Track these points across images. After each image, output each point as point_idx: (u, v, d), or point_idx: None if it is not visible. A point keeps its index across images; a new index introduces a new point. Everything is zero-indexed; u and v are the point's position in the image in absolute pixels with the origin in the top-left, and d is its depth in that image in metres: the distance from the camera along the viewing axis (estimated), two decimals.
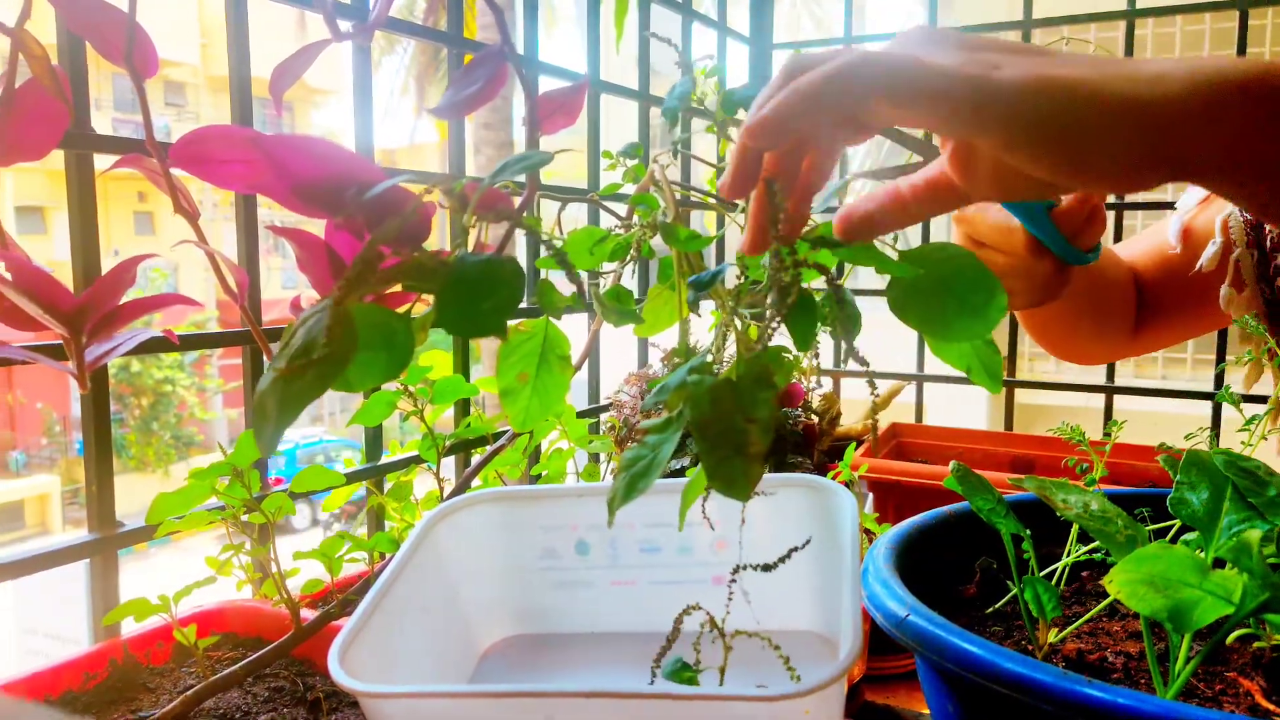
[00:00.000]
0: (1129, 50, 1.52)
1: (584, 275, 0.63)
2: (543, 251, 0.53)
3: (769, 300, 0.46)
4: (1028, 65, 0.44)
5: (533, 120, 0.61)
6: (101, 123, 0.76)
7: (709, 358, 0.46)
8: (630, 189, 0.80)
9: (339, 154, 0.48)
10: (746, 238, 0.51)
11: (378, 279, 0.42)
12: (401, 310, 0.45)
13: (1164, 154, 0.44)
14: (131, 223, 15.72)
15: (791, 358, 0.49)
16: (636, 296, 0.62)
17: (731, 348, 0.51)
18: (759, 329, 0.46)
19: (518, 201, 0.56)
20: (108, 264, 0.72)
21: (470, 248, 0.47)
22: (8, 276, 0.57)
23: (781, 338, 0.48)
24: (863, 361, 0.50)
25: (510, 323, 0.61)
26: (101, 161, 0.75)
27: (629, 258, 0.61)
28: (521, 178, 0.49)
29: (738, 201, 0.53)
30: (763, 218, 0.50)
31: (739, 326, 0.50)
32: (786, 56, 1.56)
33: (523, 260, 1.01)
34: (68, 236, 0.75)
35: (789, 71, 0.47)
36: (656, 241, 0.60)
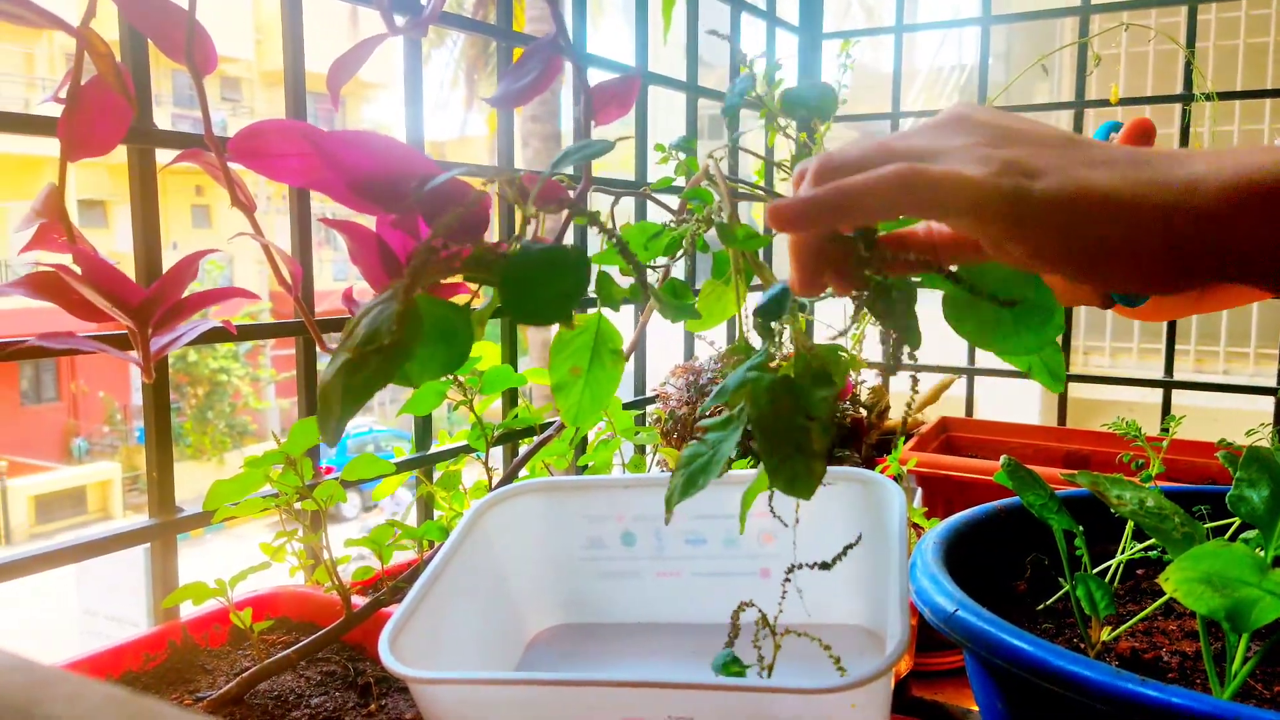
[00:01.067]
0: (1191, 34, 1.48)
1: (643, 268, 0.63)
2: (601, 244, 0.54)
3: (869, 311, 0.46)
4: (1061, 173, 0.44)
5: (587, 112, 0.61)
6: (161, 118, 0.77)
7: (765, 355, 0.46)
8: (680, 182, 0.80)
9: (395, 148, 0.49)
10: (795, 278, 0.50)
11: (440, 269, 0.42)
12: (460, 304, 0.45)
13: (1198, 265, 0.43)
14: (189, 216, 16.02)
15: (847, 356, 0.49)
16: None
17: (788, 345, 0.51)
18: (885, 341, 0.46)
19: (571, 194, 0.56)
20: (166, 256, 0.73)
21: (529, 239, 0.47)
22: (77, 270, 0.58)
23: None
24: (911, 357, 0.50)
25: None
26: (162, 156, 0.77)
27: (682, 252, 0.61)
28: (571, 169, 0.49)
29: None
30: (809, 261, 0.49)
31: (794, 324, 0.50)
32: (837, 45, 1.53)
33: None
34: (129, 230, 0.77)
35: (823, 172, 0.46)
36: (710, 235, 0.60)
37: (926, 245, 0.53)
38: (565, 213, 0.50)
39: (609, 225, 0.51)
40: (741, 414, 0.46)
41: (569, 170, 0.53)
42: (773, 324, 0.49)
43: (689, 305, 0.57)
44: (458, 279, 0.46)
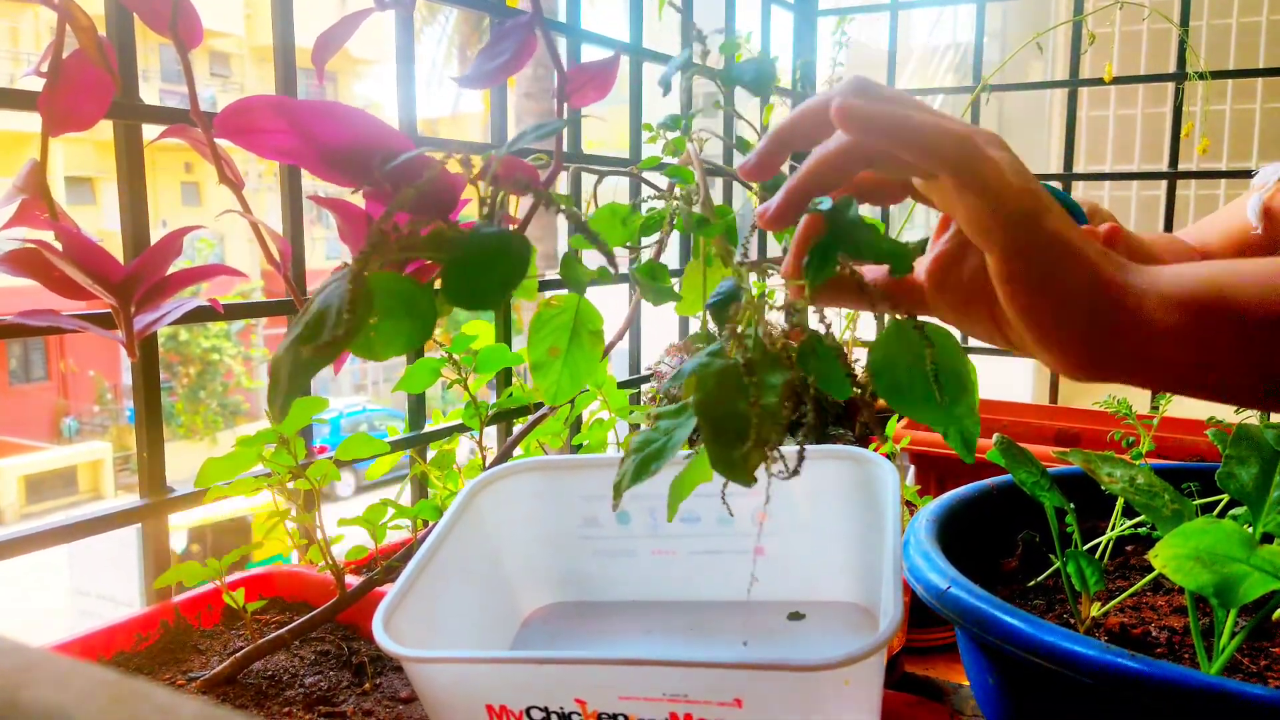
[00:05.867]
0: (1184, 13, 1.48)
1: (611, 253, 0.63)
2: (569, 227, 0.53)
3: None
4: (1063, 222, 0.46)
5: (561, 93, 0.60)
6: (148, 93, 0.77)
7: (727, 345, 0.45)
8: (670, 161, 0.79)
9: (366, 121, 0.48)
10: (789, 263, 0.51)
11: (399, 248, 0.42)
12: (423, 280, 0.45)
13: (1139, 353, 0.46)
14: (179, 193, 15.89)
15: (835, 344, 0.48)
16: (678, 269, 0.62)
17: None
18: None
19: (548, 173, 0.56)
20: (156, 234, 0.73)
21: (496, 220, 0.47)
22: (59, 247, 0.58)
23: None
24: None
25: (546, 294, 0.61)
26: (149, 132, 0.76)
27: (665, 232, 0.61)
28: (534, 146, 0.49)
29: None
30: (805, 251, 0.50)
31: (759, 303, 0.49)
32: (832, 23, 1.52)
33: (563, 233, 1.01)
34: (117, 207, 0.77)
35: (864, 89, 0.47)
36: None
37: (907, 294, 0.54)
38: (536, 197, 0.50)
39: (588, 206, 0.51)
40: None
41: (530, 148, 0.52)
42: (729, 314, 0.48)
43: (668, 288, 0.57)
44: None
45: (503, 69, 0.60)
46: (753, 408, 0.42)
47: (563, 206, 0.48)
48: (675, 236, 0.68)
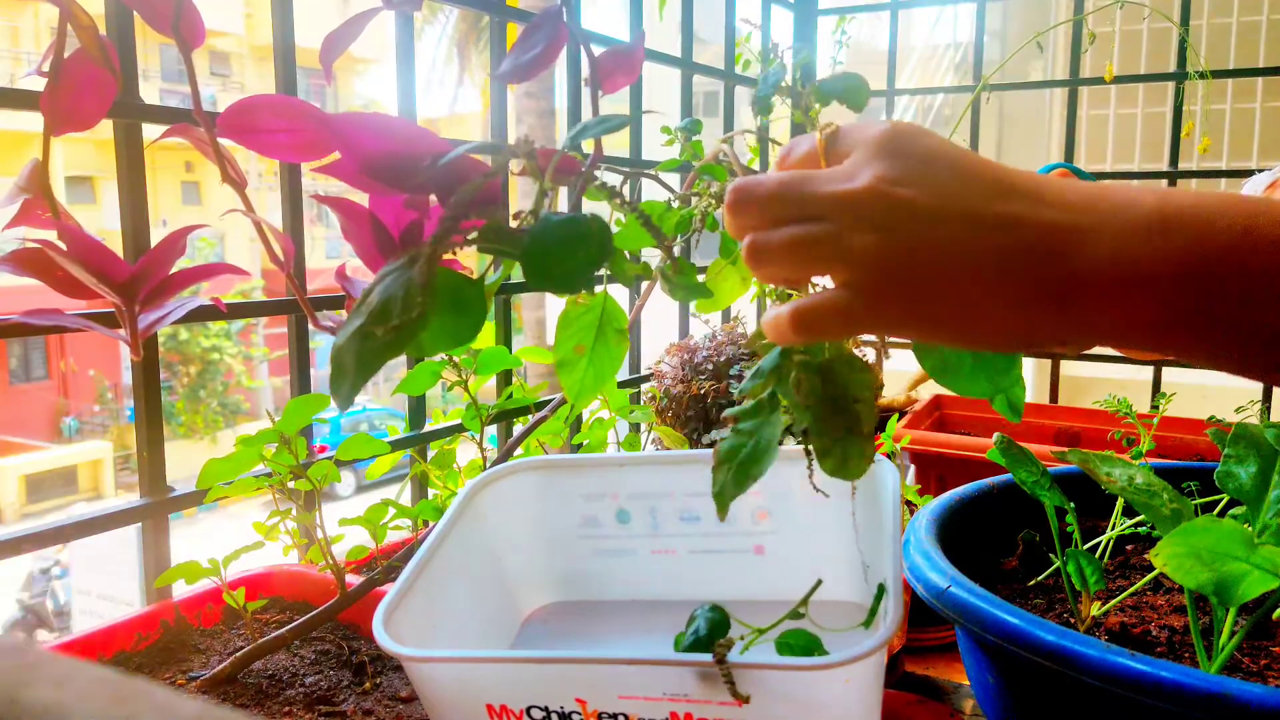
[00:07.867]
0: (1185, 12, 1.48)
1: (669, 242, 0.63)
2: (610, 221, 0.54)
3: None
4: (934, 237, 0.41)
5: (594, 81, 0.60)
6: (149, 93, 0.77)
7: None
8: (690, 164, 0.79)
9: (406, 129, 0.48)
10: None
11: (459, 240, 0.43)
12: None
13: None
14: (179, 192, 15.89)
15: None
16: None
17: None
18: None
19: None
20: (156, 234, 0.73)
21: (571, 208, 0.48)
22: (62, 246, 0.58)
23: None
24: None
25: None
26: (150, 131, 0.76)
27: (692, 230, 0.61)
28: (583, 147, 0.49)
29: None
30: None
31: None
32: (832, 22, 1.52)
33: None
34: (117, 206, 0.77)
35: (734, 206, 0.45)
36: (719, 213, 0.60)
37: None
38: (579, 186, 0.50)
39: (615, 205, 0.51)
40: (774, 399, 0.46)
41: (581, 144, 0.53)
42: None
43: (698, 285, 0.57)
44: (454, 254, 0.46)
45: (537, 61, 0.60)
46: (856, 403, 0.43)
47: (624, 199, 0.49)
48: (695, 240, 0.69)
